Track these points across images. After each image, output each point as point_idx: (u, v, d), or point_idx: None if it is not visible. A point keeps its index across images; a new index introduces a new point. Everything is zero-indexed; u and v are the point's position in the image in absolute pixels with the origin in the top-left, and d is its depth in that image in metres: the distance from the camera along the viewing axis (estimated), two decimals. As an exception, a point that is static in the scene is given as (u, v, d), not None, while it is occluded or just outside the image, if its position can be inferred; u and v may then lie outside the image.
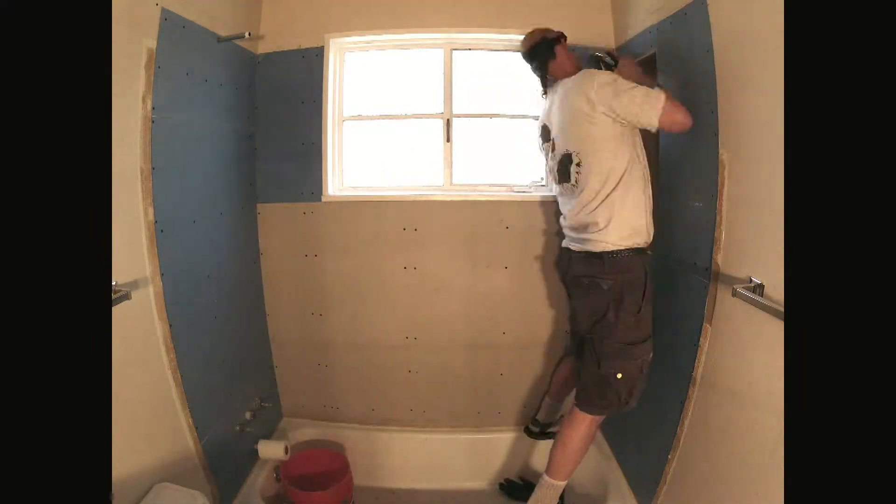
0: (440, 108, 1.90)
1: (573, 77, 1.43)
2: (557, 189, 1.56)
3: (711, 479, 1.19)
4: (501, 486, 1.94)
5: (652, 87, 1.31)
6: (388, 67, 1.96)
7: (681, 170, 1.40)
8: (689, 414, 1.28)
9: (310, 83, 1.82)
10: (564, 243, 1.57)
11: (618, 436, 1.82)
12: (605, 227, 1.37)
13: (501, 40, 1.86)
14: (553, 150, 1.52)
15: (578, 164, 1.42)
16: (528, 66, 1.60)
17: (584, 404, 1.46)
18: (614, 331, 1.39)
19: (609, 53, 1.54)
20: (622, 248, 1.37)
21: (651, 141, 1.46)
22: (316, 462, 1.82)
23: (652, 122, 1.28)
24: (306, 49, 1.81)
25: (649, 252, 1.41)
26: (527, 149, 1.90)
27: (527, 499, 1.53)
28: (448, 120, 1.89)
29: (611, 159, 1.36)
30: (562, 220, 1.59)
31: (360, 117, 1.95)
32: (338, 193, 1.90)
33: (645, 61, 1.55)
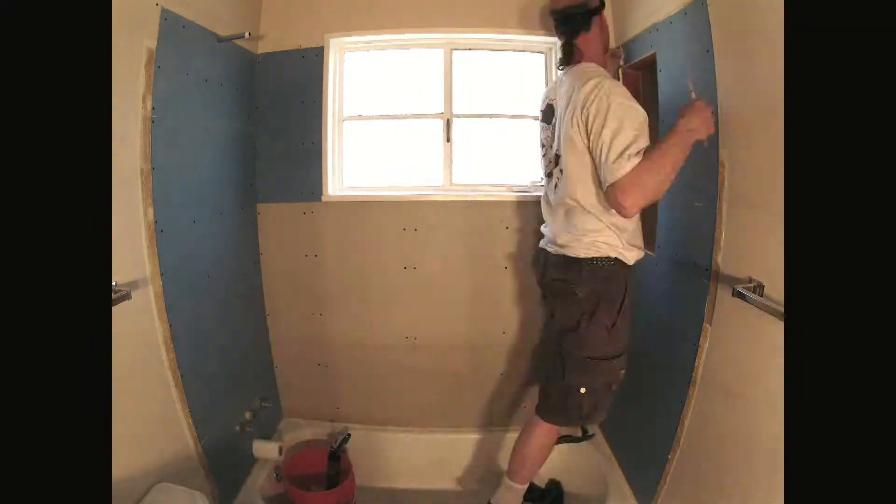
0: (440, 108, 1.90)
1: (587, 71, 1.25)
2: (544, 180, 1.46)
3: (711, 479, 1.19)
4: (501, 486, 1.95)
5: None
6: (388, 67, 1.95)
7: (681, 170, 1.40)
8: (689, 414, 1.28)
9: (310, 83, 1.81)
10: (542, 244, 1.48)
11: (618, 436, 1.82)
12: (581, 235, 1.29)
13: (501, 40, 1.86)
14: (553, 138, 1.36)
15: (561, 172, 1.30)
16: (557, 30, 1.37)
17: (545, 412, 1.43)
18: (584, 343, 1.31)
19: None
20: (601, 255, 1.28)
21: (650, 137, 1.45)
22: (318, 462, 1.82)
23: (605, 182, 1.14)
24: (306, 49, 1.81)
25: (630, 265, 1.32)
26: (527, 149, 1.90)
27: (527, 499, 1.53)
28: (448, 120, 1.89)
29: (592, 192, 1.24)
30: (545, 214, 1.48)
31: (360, 117, 1.95)
32: (338, 193, 1.90)
33: (644, 62, 1.55)
